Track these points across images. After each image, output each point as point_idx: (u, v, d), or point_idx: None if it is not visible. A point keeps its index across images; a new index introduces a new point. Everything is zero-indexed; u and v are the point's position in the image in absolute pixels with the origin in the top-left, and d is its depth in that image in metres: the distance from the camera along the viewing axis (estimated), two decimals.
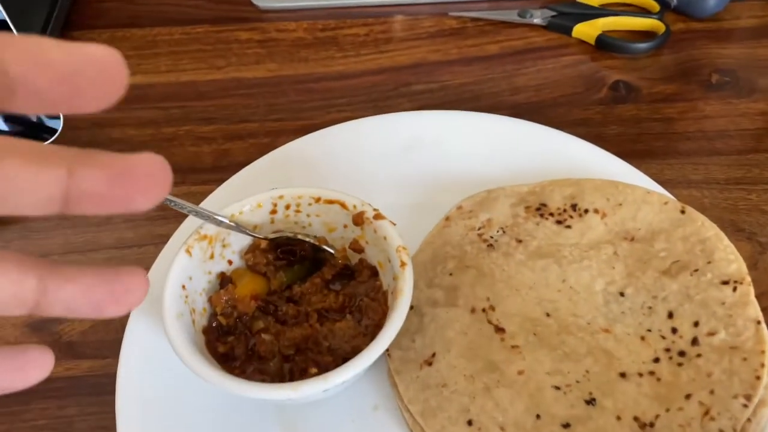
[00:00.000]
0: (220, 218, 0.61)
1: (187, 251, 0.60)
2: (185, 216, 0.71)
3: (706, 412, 0.55)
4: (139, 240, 0.76)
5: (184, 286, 0.58)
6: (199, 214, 0.60)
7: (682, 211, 0.67)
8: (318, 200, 0.64)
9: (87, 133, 0.89)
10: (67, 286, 0.29)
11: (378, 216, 0.62)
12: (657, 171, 0.78)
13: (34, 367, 0.33)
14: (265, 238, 0.64)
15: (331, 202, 0.64)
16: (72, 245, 0.77)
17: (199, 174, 0.82)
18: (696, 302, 0.61)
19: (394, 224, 0.62)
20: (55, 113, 0.29)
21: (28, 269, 0.29)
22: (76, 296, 0.29)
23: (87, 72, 0.27)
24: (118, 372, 0.61)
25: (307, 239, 0.65)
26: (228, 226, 0.61)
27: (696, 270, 0.63)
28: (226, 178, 0.76)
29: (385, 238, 0.61)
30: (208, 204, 0.73)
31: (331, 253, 0.65)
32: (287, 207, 0.65)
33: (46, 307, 0.29)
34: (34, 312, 0.29)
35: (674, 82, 0.89)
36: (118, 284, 0.30)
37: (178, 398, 0.60)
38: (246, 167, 0.76)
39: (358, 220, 0.63)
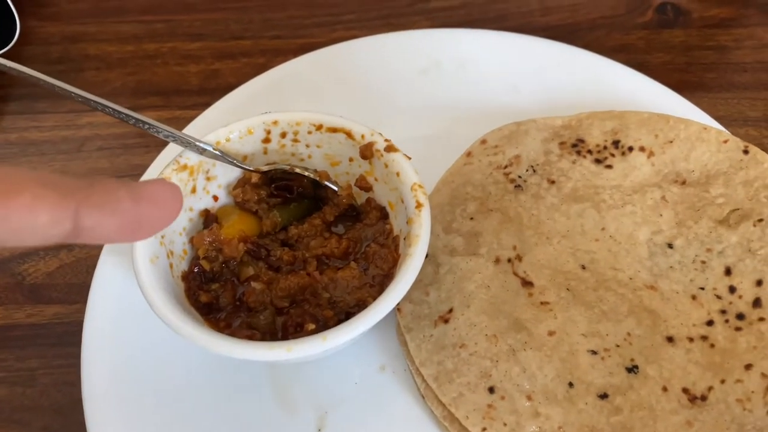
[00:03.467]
0: (202, 145, 0.51)
1: None
2: (167, 144, 0.62)
3: None
4: (115, 170, 0.67)
5: None
6: (178, 140, 0.51)
7: (745, 151, 0.57)
8: (320, 128, 0.54)
9: (59, 49, 0.78)
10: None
11: (390, 148, 0.53)
12: (709, 106, 0.68)
13: None
14: (257, 171, 0.55)
15: (334, 130, 0.54)
16: None
17: (184, 97, 0.73)
18: (759, 257, 0.53)
19: (409, 158, 0.52)
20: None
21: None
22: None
23: (148, 213, 0.30)
24: (84, 321, 0.53)
25: (306, 173, 0.55)
26: (212, 155, 0.52)
27: (760, 220, 0.54)
28: (215, 102, 0.66)
29: (398, 174, 0.52)
30: (192, 130, 0.63)
31: (333, 191, 0.56)
32: (283, 135, 0.55)
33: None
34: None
35: (730, 5, 0.78)
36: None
37: (153, 354, 0.52)
38: (237, 89, 0.67)
39: (367, 152, 0.53)
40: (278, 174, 0.55)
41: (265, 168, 0.55)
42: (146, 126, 0.50)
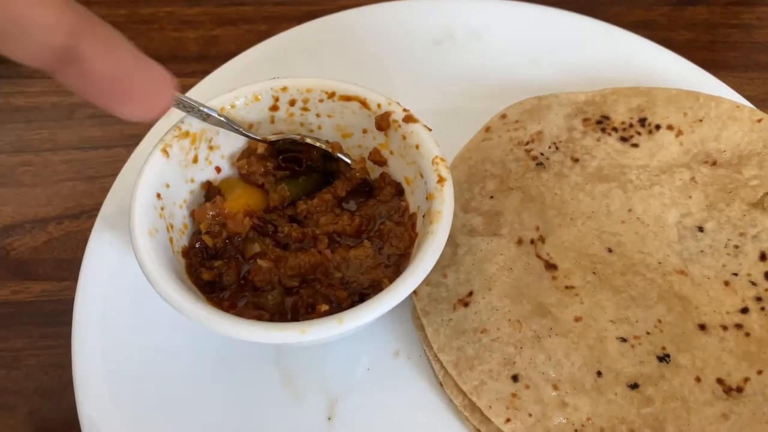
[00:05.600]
0: (206, 110, 0.47)
1: (164, 151, 0.46)
2: None
3: None
4: (107, 140, 0.63)
5: (159, 195, 0.45)
6: (180, 104, 0.47)
7: None
8: (332, 95, 0.51)
9: None
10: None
11: (409, 118, 0.49)
12: (735, 86, 0.64)
13: None
14: (265, 141, 0.51)
15: (348, 98, 0.50)
16: (24, 142, 0.63)
17: (182, 64, 0.68)
18: None
19: (430, 130, 0.49)
20: (95, 103, 0.29)
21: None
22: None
23: (139, 79, 0.28)
24: (75, 300, 0.48)
25: (317, 144, 0.51)
26: (217, 122, 0.48)
27: None
28: (214, 70, 0.62)
29: (417, 146, 0.48)
30: None
31: (346, 164, 0.52)
32: (292, 103, 0.51)
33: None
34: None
35: None
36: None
37: (151, 335, 0.48)
38: (237, 57, 0.62)
39: (383, 123, 0.50)
40: (286, 145, 0.52)
41: (273, 137, 0.51)
42: None
